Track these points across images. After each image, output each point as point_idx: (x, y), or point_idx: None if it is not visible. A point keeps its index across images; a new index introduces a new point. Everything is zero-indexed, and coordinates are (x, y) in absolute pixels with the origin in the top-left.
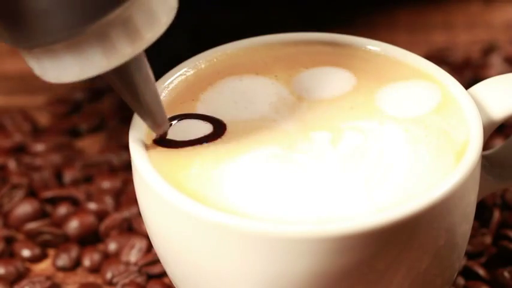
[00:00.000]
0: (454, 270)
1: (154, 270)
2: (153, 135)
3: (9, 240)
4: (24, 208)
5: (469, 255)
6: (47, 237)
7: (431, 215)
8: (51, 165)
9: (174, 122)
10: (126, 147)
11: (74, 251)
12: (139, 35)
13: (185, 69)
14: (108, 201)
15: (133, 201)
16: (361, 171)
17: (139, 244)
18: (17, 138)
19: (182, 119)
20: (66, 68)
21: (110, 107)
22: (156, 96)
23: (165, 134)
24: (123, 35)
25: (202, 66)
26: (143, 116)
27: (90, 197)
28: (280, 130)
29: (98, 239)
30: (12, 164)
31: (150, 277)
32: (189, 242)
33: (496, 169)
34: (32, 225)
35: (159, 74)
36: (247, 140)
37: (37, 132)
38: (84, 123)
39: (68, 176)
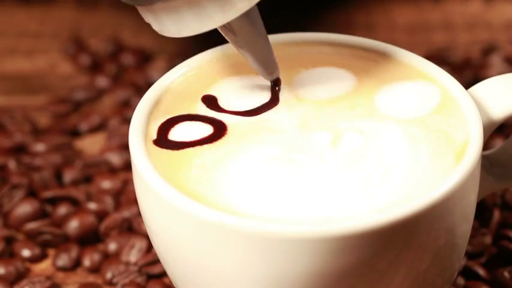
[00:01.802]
0: (454, 270)
1: (154, 270)
2: (153, 136)
3: (9, 240)
4: (24, 208)
5: (469, 255)
6: (47, 237)
7: (431, 215)
8: (51, 165)
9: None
10: (126, 147)
11: (74, 251)
12: None
13: (185, 69)
14: (108, 201)
15: (133, 201)
16: (361, 171)
17: (139, 244)
18: (17, 138)
19: (182, 120)
20: (185, 23)
21: (110, 107)
22: (268, 45)
23: (166, 134)
24: None
25: (203, 66)
26: (257, 65)
27: (90, 197)
28: (280, 130)
29: (98, 239)
30: (12, 164)
31: (150, 277)
32: (189, 242)
33: (496, 169)
34: (32, 225)
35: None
36: (248, 141)
37: (37, 132)
38: (84, 123)
39: (68, 176)
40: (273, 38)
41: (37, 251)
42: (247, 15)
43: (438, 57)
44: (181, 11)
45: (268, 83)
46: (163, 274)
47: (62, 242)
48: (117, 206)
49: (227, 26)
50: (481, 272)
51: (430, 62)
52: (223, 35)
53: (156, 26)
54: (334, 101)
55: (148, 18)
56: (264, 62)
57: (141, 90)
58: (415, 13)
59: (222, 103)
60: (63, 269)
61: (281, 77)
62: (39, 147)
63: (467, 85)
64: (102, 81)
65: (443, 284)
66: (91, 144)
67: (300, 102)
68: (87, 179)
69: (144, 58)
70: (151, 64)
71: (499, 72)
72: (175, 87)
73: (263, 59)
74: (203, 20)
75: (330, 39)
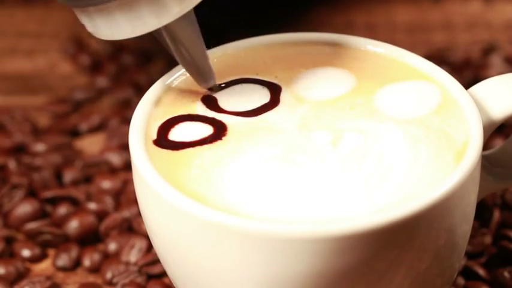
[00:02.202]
0: (454, 270)
1: (154, 270)
2: (153, 136)
3: (9, 240)
4: (24, 208)
5: (469, 255)
6: (47, 237)
7: (431, 215)
8: (51, 165)
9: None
10: (126, 147)
11: (74, 251)
12: None
13: (185, 70)
14: (108, 201)
15: (133, 201)
16: (361, 171)
17: (139, 244)
18: (17, 138)
19: (182, 120)
20: (118, 26)
21: (110, 107)
22: (203, 52)
23: (166, 135)
24: None
25: None
26: (191, 72)
27: (90, 197)
28: (280, 130)
29: (98, 239)
30: (12, 164)
31: (150, 277)
32: (189, 242)
33: (496, 169)
34: (32, 225)
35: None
36: (248, 141)
37: (37, 132)
38: (84, 123)
39: (68, 176)
40: (273, 38)
41: (37, 251)
42: (182, 19)
43: (438, 57)
44: (114, 14)
45: (267, 84)
46: (163, 274)
47: (62, 242)
48: (117, 206)
49: (161, 29)
50: (481, 272)
51: (430, 62)
52: (156, 37)
53: (90, 28)
54: (334, 101)
55: (83, 20)
56: (199, 69)
57: (141, 90)
58: (415, 13)
59: (222, 103)
60: (63, 269)
61: (281, 77)
62: (39, 147)
63: (467, 85)
64: (102, 81)
65: (443, 284)
66: (91, 144)
67: (300, 102)
68: (87, 179)
69: (144, 58)
70: (151, 64)
71: (499, 72)
72: (175, 87)
73: (198, 66)
74: (136, 24)
75: (330, 39)
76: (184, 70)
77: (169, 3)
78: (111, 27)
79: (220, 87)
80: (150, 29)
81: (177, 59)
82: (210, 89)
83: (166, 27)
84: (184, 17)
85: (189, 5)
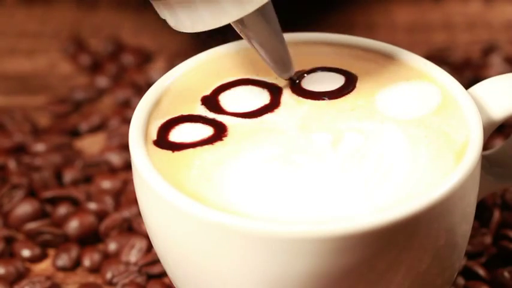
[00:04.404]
0: (454, 270)
1: (154, 270)
2: (154, 136)
3: (9, 240)
4: (24, 208)
5: (469, 255)
6: (47, 237)
7: (431, 215)
8: (51, 165)
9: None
10: (126, 147)
11: (74, 251)
12: None
13: (185, 69)
14: (108, 201)
15: (133, 201)
16: (361, 171)
17: (139, 244)
18: (17, 138)
19: (182, 121)
20: (200, 17)
21: (110, 107)
22: (283, 42)
23: (166, 135)
24: None
25: (203, 66)
26: (271, 62)
27: (90, 197)
28: (280, 131)
29: (98, 239)
30: (12, 164)
31: (150, 277)
32: (189, 242)
33: (496, 169)
34: (32, 225)
35: None
36: (248, 141)
37: (37, 132)
38: (84, 123)
39: (68, 176)
40: None
41: (37, 251)
42: (261, 10)
43: (438, 57)
44: (196, 6)
45: (271, 83)
46: (163, 274)
47: (62, 242)
48: (117, 206)
49: (240, 22)
50: (481, 272)
51: (430, 62)
52: (238, 31)
53: (171, 21)
54: (335, 102)
55: (164, 13)
56: (277, 60)
57: (141, 90)
58: (415, 13)
59: (222, 104)
60: (63, 269)
61: (281, 78)
62: (39, 147)
63: (467, 85)
64: (102, 81)
65: (443, 284)
66: (91, 144)
67: (300, 103)
68: (87, 179)
69: (144, 58)
70: (151, 64)
71: (499, 72)
72: (175, 87)
73: (277, 57)
74: (218, 15)
75: (330, 40)
76: (184, 70)
77: None
78: (193, 19)
79: (298, 77)
80: (232, 19)
81: (257, 49)
82: (289, 79)
83: (247, 17)
84: (263, 7)
85: None
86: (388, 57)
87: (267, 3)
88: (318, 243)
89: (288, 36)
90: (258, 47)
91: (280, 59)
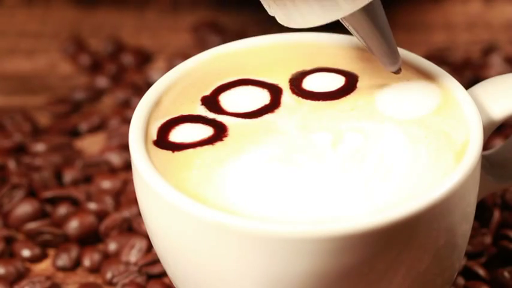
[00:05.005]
0: (454, 270)
1: (154, 270)
2: (154, 136)
3: (9, 240)
4: (24, 208)
5: (469, 255)
6: (47, 237)
7: (431, 215)
8: (51, 165)
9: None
10: (126, 147)
11: (74, 251)
12: None
13: (185, 70)
14: (108, 201)
15: (133, 201)
16: (361, 171)
17: (139, 244)
18: (17, 138)
19: (183, 121)
20: (312, 13)
21: (110, 107)
22: (391, 35)
23: (166, 136)
24: None
25: (203, 67)
26: (381, 55)
27: (90, 197)
28: (280, 131)
29: (98, 239)
30: (12, 164)
31: (150, 277)
32: (189, 242)
33: (496, 169)
34: (32, 225)
35: None
36: (248, 141)
37: (37, 132)
38: (84, 123)
39: (68, 176)
40: (273, 38)
41: (37, 251)
42: (369, 5)
43: (438, 57)
44: (309, 1)
45: (271, 83)
46: (163, 274)
47: (62, 242)
48: (117, 206)
49: (348, 17)
50: (481, 272)
51: (430, 62)
52: (342, 22)
53: (281, 18)
54: (334, 102)
55: (274, 9)
56: (384, 53)
57: (141, 90)
58: (415, 13)
59: (222, 104)
60: (63, 269)
61: (281, 78)
62: (39, 147)
63: (467, 85)
64: (102, 81)
65: (443, 284)
66: (91, 144)
67: (300, 103)
68: (87, 179)
69: (144, 58)
70: (151, 64)
71: (499, 72)
72: (175, 87)
73: (390, 48)
74: (331, 10)
75: (331, 40)
76: (184, 70)
77: None
78: (305, 14)
79: (299, 77)
80: (344, 14)
81: (366, 43)
82: (396, 72)
83: (356, 12)
84: (372, 1)
85: None
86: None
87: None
88: (318, 243)
89: (288, 37)
90: (364, 41)
91: (386, 53)
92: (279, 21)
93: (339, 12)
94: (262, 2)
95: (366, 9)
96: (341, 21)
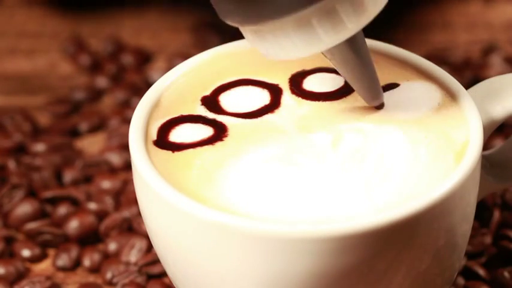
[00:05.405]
0: (454, 270)
1: (154, 270)
2: (154, 136)
3: (9, 240)
4: (24, 208)
5: (469, 255)
6: (47, 237)
7: (431, 215)
8: (51, 165)
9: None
10: (126, 147)
11: (74, 251)
12: (363, 7)
13: (185, 70)
14: (108, 201)
15: (133, 201)
16: (361, 171)
17: (139, 244)
18: (17, 138)
19: (183, 121)
20: (293, 45)
21: (110, 107)
22: (373, 69)
23: (166, 136)
24: (350, 9)
25: (203, 67)
26: (359, 90)
27: (90, 197)
28: (280, 131)
29: (98, 239)
30: (12, 164)
31: (150, 277)
32: (189, 242)
33: (496, 169)
34: (32, 225)
35: None
36: (248, 141)
37: (37, 132)
38: (84, 123)
39: (68, 176)
40: None
41: (37, 251)
42: (351, 39)
43: (438, 57)
44: (289, 34)
45: (271, 83)
46: (163, 274)
47: (62, 242)
48: (117, 206)
49: (330, 50)
50: (481, 272)
51: (430, 62)
52: (324, 54)
53: (261, 49)
54: (335, 103)
55: (254, 40)
56: (365, 88)
57: (141, 90)
58: (415, 13)
59: (222, 104)
60: (63, 269)
61: (281, 78)
62: (39, 147)
63: (467, 85)
64: (102, 81)
65: (443, 284)
66: (91, 144)
67: (300, 103)
68: (87, 179)
69: (144, 58)
70: (151, 64)
71: (499, 72)
72: (175, 87)
73: (364, 85)
74: (312, 43)
75: None
76: (184, 70)
77: (346, 19)
78: (285, 47)
79: (299, 77)
80: (325, 47)
81: (345, 76)
82: (378, 107)
83: (338, 46)
84: (358, 33)
85: (364, 21)
86: (388, 57)
87: (358, 32)
88: (318, 243)
89: None
90: (345, 75)
91: (368, 88)
92: (260, 51)
93: (320, 45)
94: (242, 31)
95: (348, 42)
96: (322, 54)
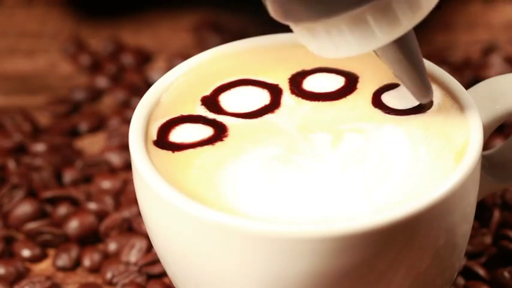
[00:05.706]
0: (454, 270)
1: (154, 270)
2: (154, 136)
3: (9, 240)
4: (24, 208)
5: (469, 255)
6: (47, 237)
7: (431, 215)
8: (51, 165)
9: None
10: (126, 147)
11: (74, 251)
12: (418, 4)
13: (185, 70)
14: (108, 201)
15: (133, 201)
16: (361, 172)
17: (139, 244)
18: (17, 138)
19: (183, 121)
20: (345, 42)
21: (109, 107)
22: (423, 66)
23: (166, 136)
24: (405, 6)
25: (203, 67)
26: (411, 87)
27: (90, 197)
28: (280, 131)
29: (98, 239)
30: (12, 164)
31: (150, 277)
32: (189, 242)
33: (496, 169)
34: (32, 225)
35: None
36: (248, 141)
37: (37, 132)
38: (84, 123)
39: (68, 176)
40: (273, 38)
41: (37, 251)
42: (410, 33)
43: (438, 57)
44: (343, 30)
45: (271, 83)
46: (163, 274)
47: (62, 242)
48: (117, 206)
49: (381, 47)
50: (481, 272)
51: (430, 62)
52: (375, 52)
53: (313, 46)
54: (335, 103)
55: (306, 38)
56: (422, 83)
57: (141, 90)
58: None
59: (222, 104)
60: (63, 269)
61: (281, 78)
62: (39, 147)
63: (467, 85)
64: (102, 81)
65: (443, 284)
66: (91, 144)
67: (300, 103)
68: (87, 179)
69: (144, 58)
70: (151, 64)
71: (499, 72)
72: (175, 87)
73: (414, 83)
74: (366, 40)
75: None
76: (184, 70)
77: (401, 16)
78: (338, 44)
79: (299, 77)
80: (379, 44)
81: (396, 74)
82: (427, 105)
83: (390, 43)
84: (410, 30)
85: (418, 18)
86: None
87: (410, 30)
88: (318, 243)
89: (288, 37)
90: (396, 73)
91: (418, 85)
92: (310, 50)
93: (374, 42)
94: (294, 29)
95: (401, 40)
96: (374, 51)
